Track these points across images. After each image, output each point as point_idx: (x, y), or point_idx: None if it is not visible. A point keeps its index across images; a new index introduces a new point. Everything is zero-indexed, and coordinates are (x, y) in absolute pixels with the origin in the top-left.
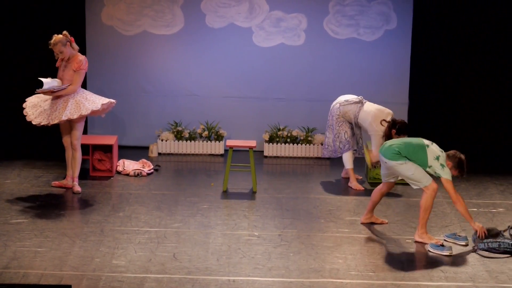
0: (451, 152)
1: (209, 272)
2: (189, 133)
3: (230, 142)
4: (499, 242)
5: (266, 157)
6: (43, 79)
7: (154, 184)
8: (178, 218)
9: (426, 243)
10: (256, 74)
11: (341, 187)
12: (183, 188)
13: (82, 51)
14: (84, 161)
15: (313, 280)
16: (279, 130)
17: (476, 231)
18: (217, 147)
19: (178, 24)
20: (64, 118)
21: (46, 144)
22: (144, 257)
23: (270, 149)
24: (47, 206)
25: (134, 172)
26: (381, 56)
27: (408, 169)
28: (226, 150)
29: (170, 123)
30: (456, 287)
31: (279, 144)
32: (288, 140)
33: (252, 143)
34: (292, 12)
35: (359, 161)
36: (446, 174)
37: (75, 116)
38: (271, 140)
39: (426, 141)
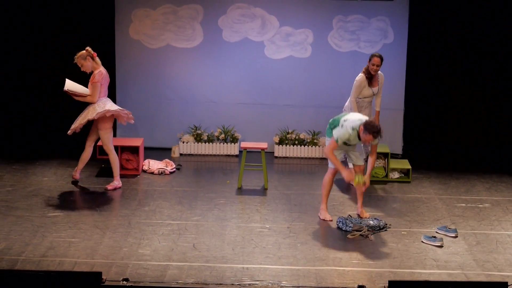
0: (366, 122)
1: (225, 261)
2: (207, 136)
3: (244, 144)
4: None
5: (276, 157)
6: (67, 80)
7: (176, 182)
8: (197, 212)
9: (322, 219)
10: (268, 83)
11: (343, 185)
12: (202, 185)
13: (112, 63)
14: None
15: (319, 268)
16: (288, 133)
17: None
18: (232, 149)
19: (197, 38)
20: (70, 131)
21: (80, 145)
22: (167, 247)
23: (280, 150)
24: (80, 201)
25: (158, 171)
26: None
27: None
28: (240, 151)
29: (191, 127)
30: (446, 274)
31: (288, 146)
32: (296, 142)
33: (264, 145)
34: (300, 28)
35: None
36: (336, 134)
37: (75, 127)
38: (281, 142)
39: (354, 114)
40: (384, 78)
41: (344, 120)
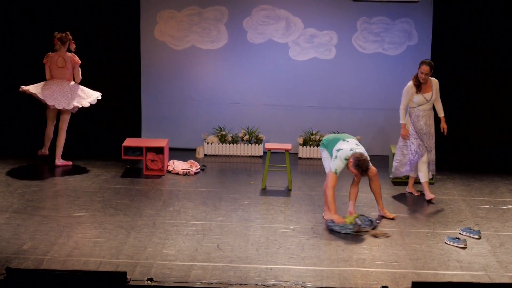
0: (357, 153)
1: (249, 261)
2: (231, 137)
3: (268, 145)
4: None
5: (300, 158)
6: None
7: (200, 182)
8: (221, 212)
9: (325, 219)
10: (292, 85)
11: (366, 186)
12: (226, 186)
13: (137, 64)
14: (138, 161)
15: (342, 269)
16: (312, 134)
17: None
18: (256, 150)
19: (222, 40)
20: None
21: (105, 145)
22: (191, 247)
23: (304, 152)
24: (105, 201)
25: (183, 172)
26: (403, 68)
27: (323, 156)
28: (264, 152)
29: (215, 127)
30: (469, 275)
31: (312, 147)
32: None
33: (288, 146)
34: (324, 30)
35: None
36: (333, 166)
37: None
38: (305, 143)
39: (348, 138)
40: (438, 84)
41: (338, 150)
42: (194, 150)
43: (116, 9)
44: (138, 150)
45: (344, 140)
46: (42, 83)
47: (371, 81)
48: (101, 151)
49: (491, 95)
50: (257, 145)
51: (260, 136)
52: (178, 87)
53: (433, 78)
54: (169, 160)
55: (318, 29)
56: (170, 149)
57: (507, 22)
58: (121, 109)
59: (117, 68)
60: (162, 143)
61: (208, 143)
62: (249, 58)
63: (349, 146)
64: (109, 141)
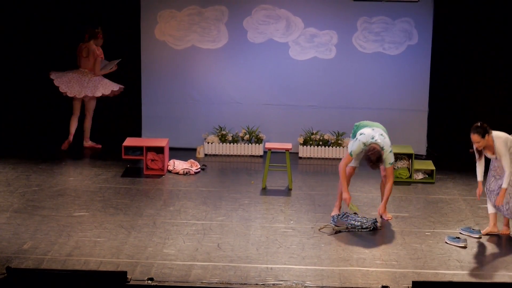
0: (374, 144)
1: (249, 261)
2: (232, 136)
3: (268, 145)
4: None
5: (300, 158)
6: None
7: (201, 182)
8: (222, 212)
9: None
10: (292, 84)
11: (367, 186)
12: (226, 186)
13: (137, 64)
14: (138, 161)
15: (342, 268)
16: (312, 134)
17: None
18: (257, 149)
19: (222, 39)
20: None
21: (105, 145)
22: (191, 246)
23: (304, 151)
24: (105, 200)
25: (183, 171)
26: (403, 68)
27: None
28: (265, 152)
29: (215, 127)
30: (470, 275)
31: (312, 146)
32: (320, 143)
33: (288, 145)
34: (324, 29)
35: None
36: (350, 147)
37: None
38: (305, 143)
39: (377, 127)
40: (500, 141)
41: (360, 134)
42: (195, 149)
43: (116, 9)
44: (138, 149)
45: (370, 127)
46: (67, 71)
47: (371, 81)
48: (101, 151)
49: (492, 95)
50: (257, 144)
51: (260, 135)
52: (178, 87)
53: (496, 136)
54: (170, 159)
55: (318, 29)
56: (171, 148)
57: (507, 21)
58: (121, 109)
59: (117, 68)
60: (162, 142)
61: (208, 143)
62: (249, 58)
63: (373, 133)
64: (109, 141)
